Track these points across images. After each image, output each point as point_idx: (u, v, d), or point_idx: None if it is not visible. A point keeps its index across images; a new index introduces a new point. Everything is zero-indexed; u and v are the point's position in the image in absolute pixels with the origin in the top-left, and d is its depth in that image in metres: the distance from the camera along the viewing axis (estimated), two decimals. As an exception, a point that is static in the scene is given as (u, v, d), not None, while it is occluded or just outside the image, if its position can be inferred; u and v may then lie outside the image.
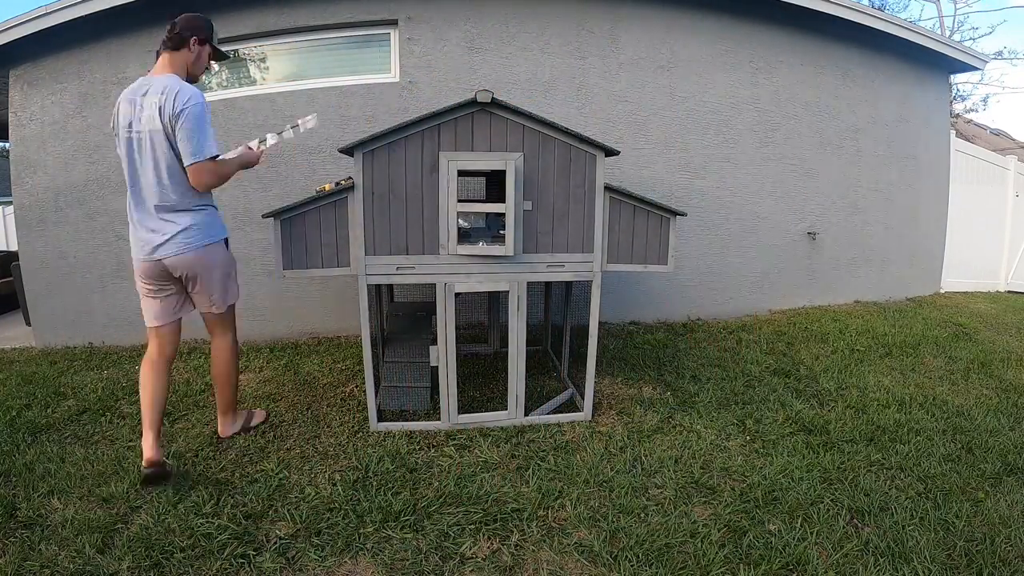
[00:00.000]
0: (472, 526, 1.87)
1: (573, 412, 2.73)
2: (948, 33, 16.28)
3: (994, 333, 4.52)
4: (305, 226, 2.32)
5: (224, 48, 2.43)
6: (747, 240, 4.77)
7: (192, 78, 2.28)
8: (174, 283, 2.26)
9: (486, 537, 1.83)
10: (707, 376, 3.29)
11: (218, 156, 2.15)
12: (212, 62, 2.36)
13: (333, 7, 3.92)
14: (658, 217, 2.54)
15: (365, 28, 4.04)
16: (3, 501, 1.98)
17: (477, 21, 4.03)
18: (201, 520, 1.87)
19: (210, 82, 4.20)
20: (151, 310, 2.28)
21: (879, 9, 7.27)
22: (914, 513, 1.98)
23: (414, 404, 2.76)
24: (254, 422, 2.62)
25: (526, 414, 2.64)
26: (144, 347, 4.08)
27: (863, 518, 1.96)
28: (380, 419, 2.59)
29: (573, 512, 1.96)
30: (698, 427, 2.61)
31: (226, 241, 2.36)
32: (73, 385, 3.18)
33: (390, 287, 3.68)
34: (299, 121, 2.40)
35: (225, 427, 2.51)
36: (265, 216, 2.34)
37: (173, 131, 2.05)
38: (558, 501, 2.02)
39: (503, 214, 2.38)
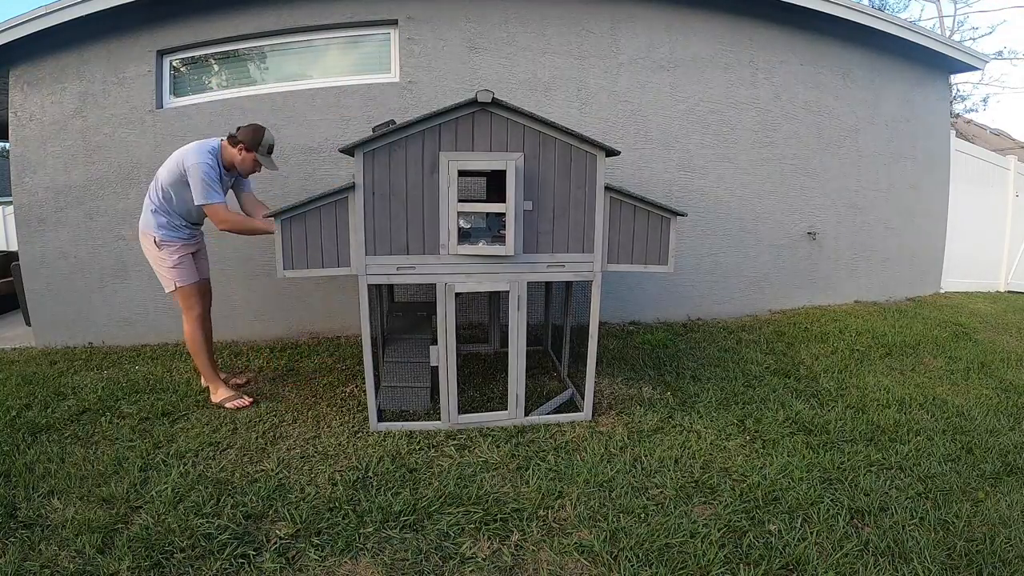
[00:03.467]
0: (472, 526, 1.87)
1: (573, 412, 2.73)
2: (948, 33, 16.30)
3: (994, 333, 4.52)
4: (306, 226, 2.32)
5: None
6: (747, 240, 4.77)
7: (238, 172, 2.87)
8: None
9: (486, 537, 1.83)
10: (707, 376, 3.29)
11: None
12: (257, 165, 2.86)
13: (333, 7, 3.92)
14: (658, 217, 2.54)
15: (365, 28, 4.04)
16: (3, 501, 1.98)
17: (477, 21, 4.03)
18: (201, 520, 1.87)
19: (210, 82, 4.20)
20: None
21: (879, 9, 7.27)
22: (914, 513, 1.98)
23: (414, 404, 2.76)
24: (228, 404, 2.86)
25: (526, 414, 2.64)
26: (143, 346, 4.11)
27: (863, 518, 1.96)
28: (380, 419, 2.59)
29: (573, 512, 1.96)
30: (698, 427, 2.61)
31: (155, 240, 2.77)
32: (73, 385, 3.18)
33: (390, 287, 3.68)
34: None
35: (212, 394, 2.95)
36: (266, 217, 2.36)
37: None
38: (558, 501, 2.02)
39: (503, 214, 2.38)
